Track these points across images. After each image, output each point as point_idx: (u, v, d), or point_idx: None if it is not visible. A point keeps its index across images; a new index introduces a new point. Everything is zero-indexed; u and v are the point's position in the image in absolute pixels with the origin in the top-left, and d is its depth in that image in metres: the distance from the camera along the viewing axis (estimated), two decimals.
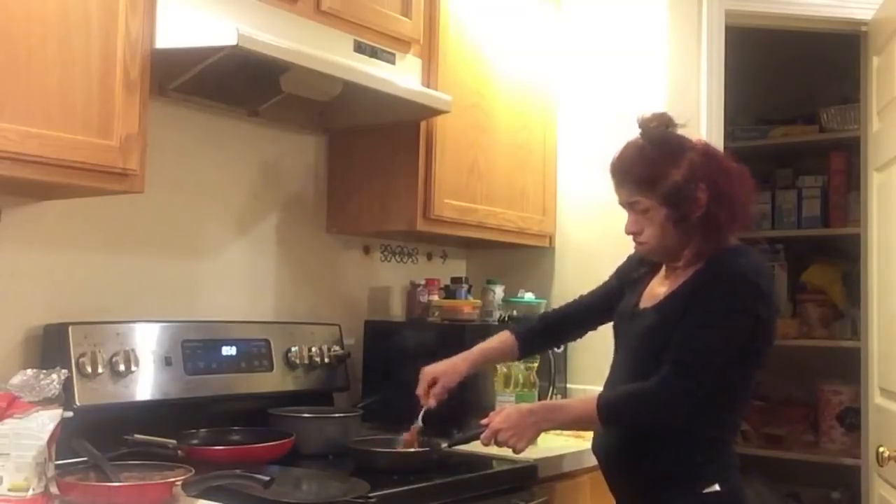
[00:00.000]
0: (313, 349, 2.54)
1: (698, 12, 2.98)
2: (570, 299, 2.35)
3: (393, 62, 2.46)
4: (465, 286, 2.96)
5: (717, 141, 2.95)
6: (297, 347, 2.50)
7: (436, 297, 2.87)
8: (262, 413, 2.33)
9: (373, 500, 1.79)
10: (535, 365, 2.65)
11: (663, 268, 2.05)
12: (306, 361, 2.52)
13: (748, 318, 1.87)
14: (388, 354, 2.74)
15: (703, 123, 2.94)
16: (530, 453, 2.09)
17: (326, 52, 2.21)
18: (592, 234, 3.02)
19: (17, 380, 1.68)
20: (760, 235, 3.93)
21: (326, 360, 2.57)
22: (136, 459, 1.88)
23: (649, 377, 1.88)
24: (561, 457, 2.39)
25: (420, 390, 2.19)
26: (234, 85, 2.29)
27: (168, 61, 2.03)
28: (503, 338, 2.28)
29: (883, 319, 2.89)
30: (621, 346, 2.08)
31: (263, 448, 2.11)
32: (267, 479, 1.76)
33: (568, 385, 2.99)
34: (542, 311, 2.90)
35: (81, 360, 2.03)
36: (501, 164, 2.88)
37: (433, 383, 2.18)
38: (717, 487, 1.89)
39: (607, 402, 1.92)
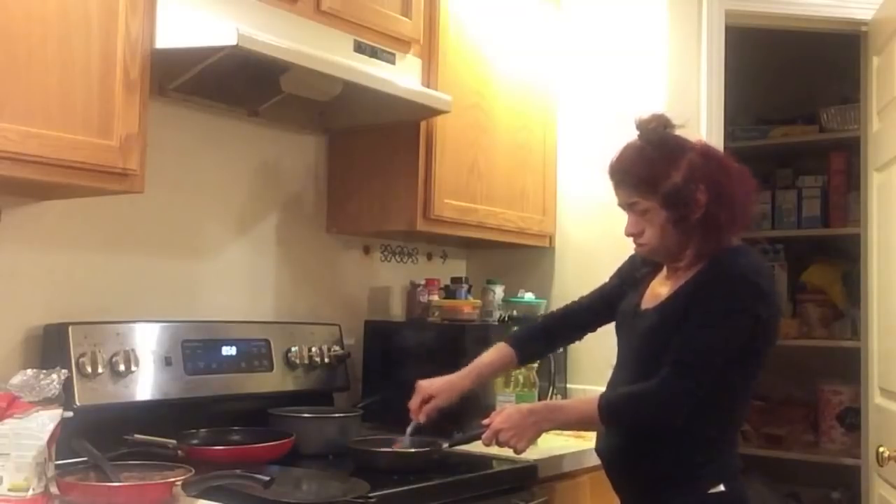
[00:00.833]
0: (313, 349, 2.54)
1: (698, 12, 2.98)
2: (570, 299, 2.34)
3: (393, 62, 2.46)
4: (465, 286, 2.96)
5: (717, 141, 2.95)
6: (297, 347, 2.50)
7: (436, 297, 2.87)
8: (262, 413, 2.33)
9: (373, 500, 1.79)
10: (536, 365, 2.65)
11: (665, 268, 2.05)
12: (306, 361, 2.52)
13: (748, 318, 1.87)
14: (388, 354, 2.74)
15: (703, 123, 2.94)
16: (530, 453, 2.09)
17: (326, 52, 2.21)
18: (592, 234, 3.02)
19: (17, 380, 1.68)
20: (760, 235, 3.94)
21: (326, 360, 2.57)
22: (136, 459, 1.88)
23: (652, 377, 1.88)
24: (561, 457, 2.39)
25: (413, 405, 2.18)
26: (234, 85, 2.29)
27: (168, 61, 2.03)
28: (500, 350, 2.26)
29: (883, 319, 2.89)
30: (624, 347, 2.08)
31: (263, 448, 2.11)
32: (267, 479, 1.76)
33: (568, 385, 2.99)
34: (542, 311, 2.91)
35: (81, 360, 2.03)
36: (501, 164, 2.88)
37: (427, 400, 2.17)
38: (721, 488, 1.89)
39: (608, 402, 1.92)
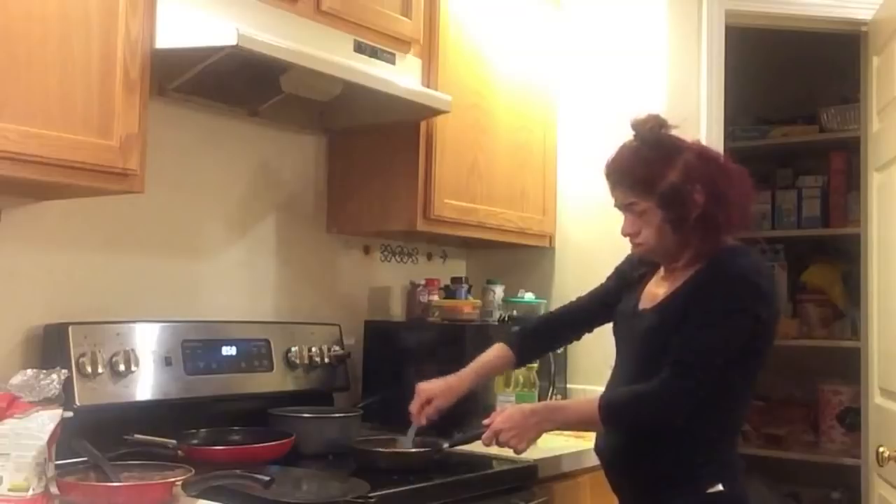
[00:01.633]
0: (313, 349, 2.54)
1: (698, 12, 2.98)
2: (570, 299, 2.34)
3: (393, 62, 2.46)
4: (465, 286, 2.96)
5: (717, 141, 2.95)
6: (297, 347, 2.50)
7: (436, 297, 2.87)
8: (262, 413, 2.33)
9: (373, 500, 1.79)
10: (536, 365, 2.65)
11: (662, 268, 2.05)
12: (306, 361, 2.52)
13: (748, 318, 1.87)
14: (388, 354, 2.74)
15: (703, 123, 2.94)
16: (530, 453, 2.09)
17: (326, 52, 2.21)
18: (592, 234, 3.02)
19: (17, 380, 1.68)
20: (760, 235, 3.95)
21: (326, 360, 2.57)
22: (136, 459, 1.88)
23: (651, 378, 1.88)
24: (561, 457, 2.39)
25: (414, 408, 2.18)
26: (234, 85, 2.29)
27: (168, 61, 2.03)
28: (498, 351, 2.26)
29: (883, 319, 2.89)
30: (622, 348, 2.08)
31: (263, 448, 2.11)
32: (267, 479, 1.76)
33: (568, 385, 2.99)
34: (542, 311, 2.91)
35: (81, 360, 2.03)
36: (501, 164, 2.88)
37: (427, 402, 2.17)
38: (720, 487, 1.89)
39: (609, 402, 1.92)
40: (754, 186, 2.01)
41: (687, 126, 2.05)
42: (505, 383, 2.60)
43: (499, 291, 2.98)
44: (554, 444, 2.42)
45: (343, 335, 2.67)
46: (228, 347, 2.36)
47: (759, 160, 3.97)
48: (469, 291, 2.97)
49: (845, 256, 3.85)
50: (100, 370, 2.06)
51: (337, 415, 2.47)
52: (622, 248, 2.21)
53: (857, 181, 3.35)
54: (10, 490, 1.55)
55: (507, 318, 2.88)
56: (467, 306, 2.82)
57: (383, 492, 1.85)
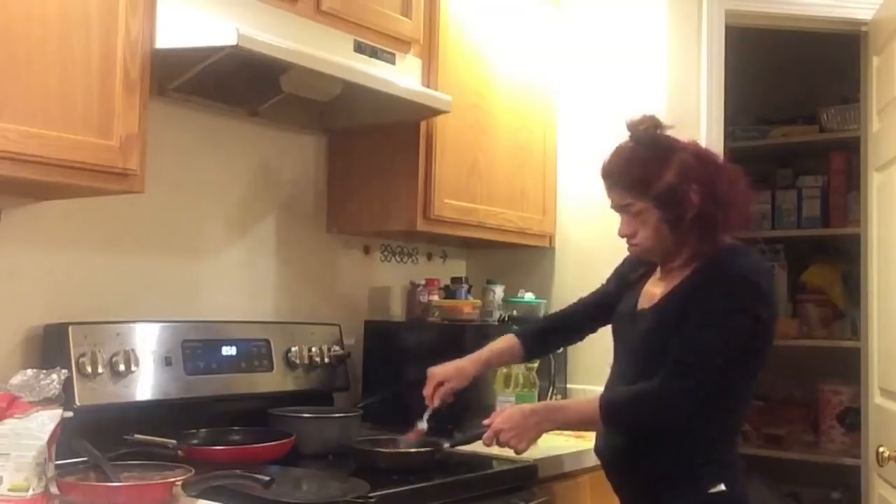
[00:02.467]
0: (313, 349, 2.54)
1: (698, 12, 2.98)
2: (570, 299, 2.35)
3: (393, 62, 2.46)
4: (465, 286, 2.96)
5: (717, 141, 2.95)
6: (297, 347, 2.50)
7: (436, 297, 2.87)
8: (262, 413, 2.33)
9: (373, 500, 1.79)
10: (536, 365, 2.65)
11: (658, 268, 2.05)
12: (306, 361, 2.52)
13: (748, 318, 1.87)
14: (388, 354, 2.74)
15: (703, 123, 2.94)
16: (530, 453, 2.09)
17: (326, 52, 2.21)
18: (592, 234, 3.01)
19: (17, 380, 1.68)
20: (760, 235, 3.95)
21: (326, 360, 2.57)
22: (136, 459, 1.88)
23: (650, 378, 1.88)
24: (561, 457, 2.39)
25: (427, 391, 2.20)
26: (234, 85, 2.29)
27: (168, 61, 2.03)
28: (508, 341, 2.28)
29: (883, 319, 2.89)
30: (621, 348, 2.08)
31: (263, 448, 2.11)
32: (267, 479, 1.76)
33: (568, 385, 2.99)
34: (543, 311, 2.91)
35: (81, 360, 2.03)
36: (501, 164, 2.88)
37: (440, 385, 2.18)
38: (721, 487, 1.89)
39: (609, 402, 1.92)
40: (753, 186, 2.01)
41: (687, 126, 2.05)
42: (505, 383, 2.60)
43: (499, 291, 2.98)
44: (554, 444, 2.42)
45: (343, 335, 2.67)
46: (228, 347, 2.36)
47: (759, 160, 3.98)
48: (469, 291, 2.97)
49: (845, 256, 3.85)
50: (100, 370, 2.05)
51: (337, 415, 2.46)
52: (622, 249, 2.20)
53: (857, 181, 3.35)
54: (10, 490, 1.55)
55: (507, 318, 2.88)
56: (467, 306, 2.82)
57: (383, 492, 1.85)
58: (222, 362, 2.33)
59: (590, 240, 3.03)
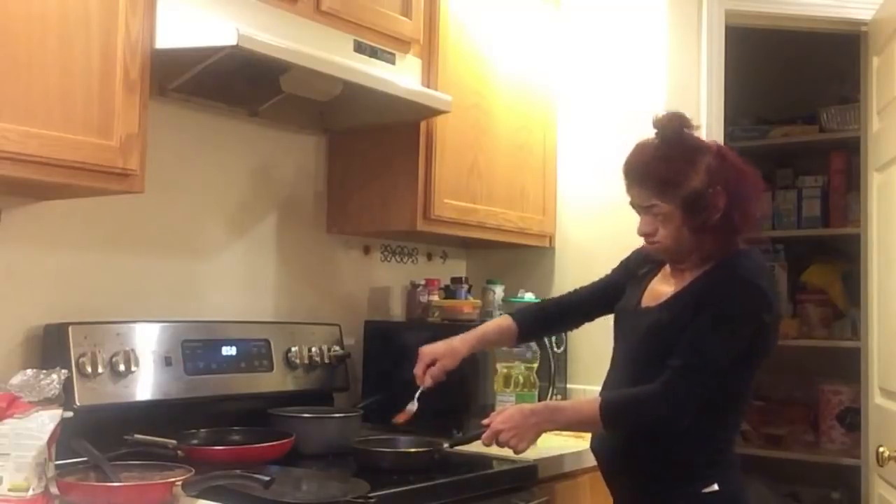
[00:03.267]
0: (313, 349, 2.54)
1: (698, 12, 2.98)
2: None
3: (393, 62, 2.46)
4: (465, 286, 2.97)
5: (717, 141, 2.95)
6: (297, 347, 2.50)
7: (436, 297, 2.87)
8: (262, 413, 2.33)
9: (373, 500, 1.79)
10: (535, 365, 2.65)
11: (666, 266, 2.04)
12: (306, 361, 2.52)
13: (755, 324, 1.86)
14: (388, 354, 2.74)
15: (703, 123, 2.93)
16: (530, 453, 2.09)
17: (326, 52, 2.21)
18: (592, 234, 3.02)
19: (17, 380, 1.68)
20: (764, 236, 3.94)
21: (326, 360, 2.57)
22: (136, 459, 1.88)
23: (650, 376, 1.87)
24: (561, 457, 2.39)
25: (418, 370, 2.19)
26: (234, 85, 2.29)
27: (168, 61, 2.03)
28: (502, 322, 2.27)
29: (883, 319, 2.89)
30: (622, 344, 2.07)
31: (263, 448, 2.11)
32: (267, 479, 1.76)
33: (568, 385, 2.99)
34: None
35: (81, 360, 2.03)
36: (501, 164, 2.88)
37: (432, 363, 2.18)
38: (715, 487, 1.89)
39: (609, 404, 1.91)
40: (764, 187, 1.99)
41: (700, 127, 2.01)
42: (505, 383, 2.60)
43: (499, 291, 2.98)
44: (554, 444, 2.42)
45: (343, 335, 2.67)
46: (228, 347, 2.36)
47: (759, 160, 3.93)
48: (469, 291, 2.97)
49: (845, 256, 3.85)
50: (100, 370, 2.05)
51: (337, 415, 2.46)
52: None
53: (857, 181, 3.35)
54: (10, 490, 1.55)
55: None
56: (467, 306, 2.83)
57: (383, 492, 1.85)
58: (222, 362, 2.33)
59: (590, 240, 3.03)
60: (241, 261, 2.58)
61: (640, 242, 2.11)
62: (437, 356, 2.18)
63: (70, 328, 2.05)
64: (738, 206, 1.88)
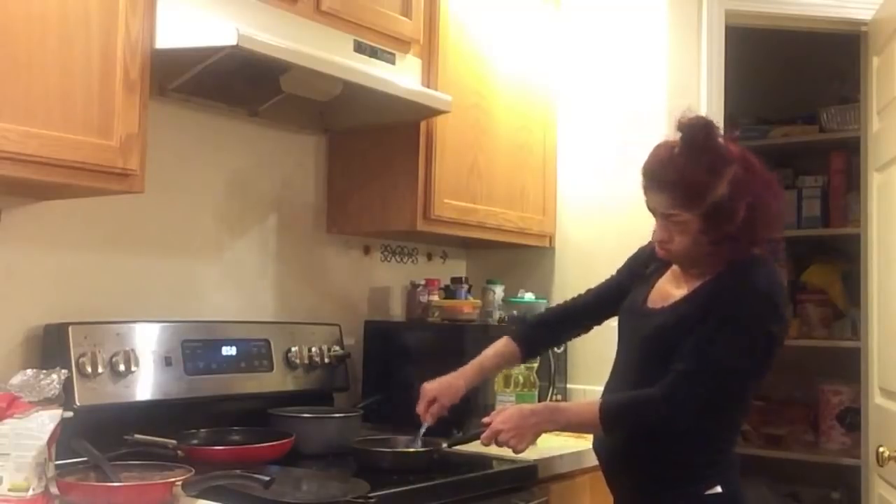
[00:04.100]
0: (313, 349, 2.54)
1: (698, 12, 2.98)
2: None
3: (393, 62, 2.46)
4: (465, 286, 2.96)
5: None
6: (297, 347, 2.50)
7: (436, 297, 2.87)
8: (262, 413, 2.33)
9: (373, 500, 1.79)
10: (535, 365, 2.65)
11: (674, 266, 2.01)
12: (306, 361, 2.52)
13: (762, 333, 1.85)
14: (388, 354, 2.74)
15: None
16: (530, 453, 2.09)
17: (326, 52, 2.21)
18: (592, 234, 3.02)
19: (17, 380, 1.68)
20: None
21: (326, 360, 2.57)
22: (136, 459, 1.88)
23: (653, 377, 1.86)
24: (561, 457, 2.39)
25: (420, 408, 2.19)
26: (234, 85, 2.29)
27: (168, 61, 2.03)
28: (503, 345, 2.25)
29: (883, 319, 2.89)
30: (626, 345, 2.05)
31: (263, 448, 2.11)
32: (267, 479, 1.76)
33: (568, 385, 2.99)
34: (542, 310, 2.91)
35: (81, 360, 2.03)
36: (501, 164, 2.88)
37: (433, 401, 2.18)
38: (718, 489, 1.88)
39: (610, 407, 1.91)
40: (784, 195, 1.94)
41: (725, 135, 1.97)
42: (505, 383, 2.60)
43: (499, 291, 2.98)
44: (554, 445, 2.42)
45: (343, 335, 2.67)
46: (228, 347, 2.36)
47: None
48: (469, 291, 2.97)
49: (845, 256, 3.85)
50: (100, 370, 2.06)
51: (337, 415, 2.47)
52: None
53: (857, 181, 3.35)
54: (10, 490, 1.55)
55: (506, 319, 2.88)
56: (467, 306, 2.83)
57: (383, 492, 1.85)
58: (222, 362, 2.33)
59: (590, 240, 3.03)
60: (241, 261, 2.58)
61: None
62: (438, 394, 2.18)
63: (70, 328, 2.05)
64: (759, 217, 1.84)
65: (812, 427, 4.01)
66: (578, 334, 2.39)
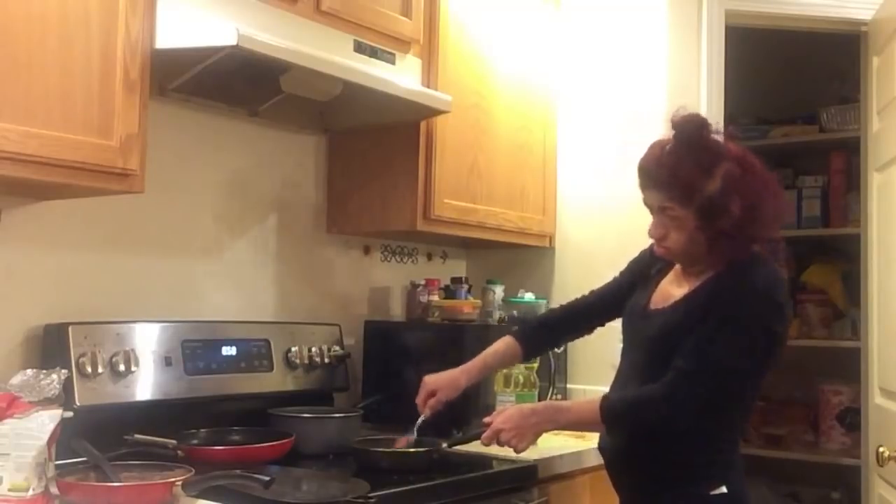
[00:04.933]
0: (313, 349, 2.54)
1: (698, 12, 2.98)
2: (571, 299, 2.33)
3: (393, 62, 2.46)
4: (465, 286, 2.96)
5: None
6: (297, 347, 2.50)
7: (436, 297, 2.87)
8: (262, 413, 2.33)
9: (373, 500, 1.79)
10: (535, 365, 2.65)
11: (676, 267, 2.01)
12: (306, 361, 2.52)
13: (764, 332, 1.85)
14: (388, 354, 2.74)
15: None
16: (530, 453, 2.09)
17: (326, 52, 2.21)
18: (592, 234, 3.02)
19: (17, 380, 1.68)
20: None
21: (326, 360, 2.57)
22: (136, 459, 1.88)
23: (656, 378, 1.86)
24: (561, 457, 2.39)
25: (419, 400, 2.19)
26: (234, 85, 2.29)
27: (168, 61, 2.03)
28: (505, 343, 2.25)
29: (883, 319, 2.89)
30: (630, 346, 2.05)
31: (263, 448, 2.11)
32: (267, 479, 1.76)
33: (568, 385, 2.99)
34: (543, 311, 2.91)
35: (81, 360, 2.03)
36: (501, 164, 2.88)
37: (432, 394, 2.18)
38: (723, 489, 1.87)
39: (610, 407, 1.90)
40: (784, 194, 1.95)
41: (721, 132, 1.98)
42: (505, 383, 2.60)
43: (499, 291, 2.98)
44: (553, 444, 2.42)
45: (343, 335, 2.67)
46: (228, 347, 2.36)
47: None
48: (469, 291, 2.97)
49: (845, 256, 3.85)
50: (100, 370, 2.06)
51: (337, 415, 2.47)
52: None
53: (857, 181, 3.35)
54: (10, 490, 1.55)
55: (506, 319, 2.88)
56: (467, 306, 2.82)
57: (383, 492, 1.85)
58: (222, 362, 2.33)
59: (590, 240, 3.03)
60: (241, 261, 2.58)
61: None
62: (438, 387, 2.18)
63: (70, 328, 2.05)
64: (756, 215, 1.85)
65: (812, 427, 4.01)
66: (580, 335, 2.39)
